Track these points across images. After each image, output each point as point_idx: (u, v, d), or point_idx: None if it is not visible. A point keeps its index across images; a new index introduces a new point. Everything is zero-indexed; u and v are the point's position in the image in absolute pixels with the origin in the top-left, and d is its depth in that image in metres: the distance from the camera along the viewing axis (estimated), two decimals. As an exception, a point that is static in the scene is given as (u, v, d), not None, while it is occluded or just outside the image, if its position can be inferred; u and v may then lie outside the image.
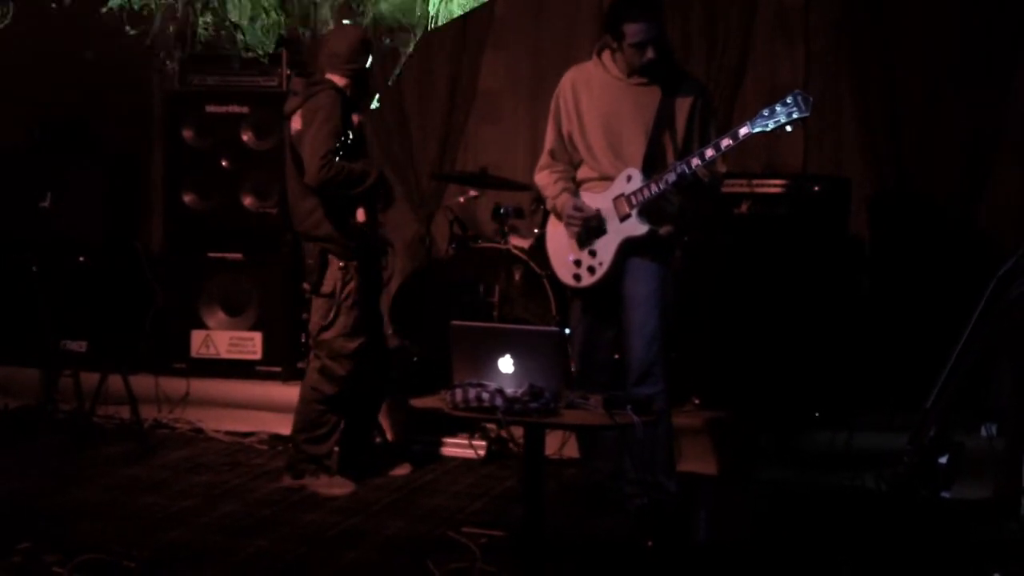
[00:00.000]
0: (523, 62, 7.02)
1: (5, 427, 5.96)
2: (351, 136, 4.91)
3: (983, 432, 4.86)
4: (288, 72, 6.25)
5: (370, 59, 4.99)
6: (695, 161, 4.37)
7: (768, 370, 5.59)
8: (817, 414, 5.51)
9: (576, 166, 4.69)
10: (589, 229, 4.55)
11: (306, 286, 4.98)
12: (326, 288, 4.89)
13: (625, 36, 4.44)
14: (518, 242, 5.99)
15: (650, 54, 4.45)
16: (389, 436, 5.66)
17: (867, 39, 6.34)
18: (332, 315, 4.89)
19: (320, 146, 4.73)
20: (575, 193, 4.62)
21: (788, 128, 4.36)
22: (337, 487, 4.95)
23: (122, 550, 4.05)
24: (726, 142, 4.35)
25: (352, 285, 4.90)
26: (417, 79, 7.07)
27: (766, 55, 6.59)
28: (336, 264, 4.88)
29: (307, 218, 4.92)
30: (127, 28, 6.43)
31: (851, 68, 6.41)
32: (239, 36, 5.50)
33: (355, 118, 4.96)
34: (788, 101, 4.31)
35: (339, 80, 4.89)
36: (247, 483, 5.12)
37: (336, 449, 5.10)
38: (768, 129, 4.34)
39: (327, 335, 4.92)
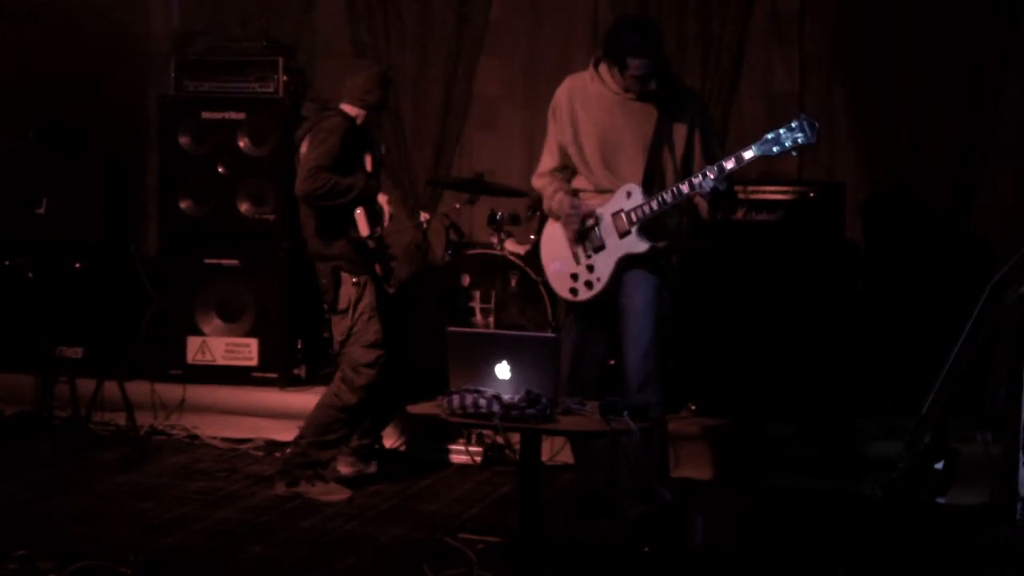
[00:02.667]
0: (518, 68, 7.03)
1: (1, 433, 5.94)
2: (364, 165, 5.02)
3: (978, 438, 4.87)
4: (284, 78, 6.27)
5: (385, 93, 5.11)
6: (697, 180, 4.36)
7: (764, 376, 5.59)
8: (814, 419, 5.51)
9: (572, 174, 4.69)
10: (586, 229, 4.55)
11: (325, 307, 5.05)
12: (342, 304, 4.97)
13: (628, 68, 4.44)
14: (514, 248, 5.99)
15: (652, 85, 4.48)
16: (386, 442, 5.66)
17: (861, 45, 6.35)
18: (350, 329, 4.96)
19: (310, 160, 4.84)
20: (571, 193, 4.62)
21: (794, 153, 4.35)
22: (333, 494, 4.96)
23: (118, 556, 4.05)
24: (730, 164, 4.33)
25: (367, 299, 4.97)
26: (412, 84, 7.07)
27: (761, 61, 6.60)
28: (349, 280, 4.96)
29: (315, 238, 5.01)
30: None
31: (845, 74, 6.43)
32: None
33: (368, 160, 5.05)
34: (793, 125, 4.29)
35: (351, 110, 5.00)
36: (243, 489, 5.12)
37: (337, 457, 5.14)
38: (773, 154, 4.33)
39: (348, 347, 4.99)
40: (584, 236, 4.57)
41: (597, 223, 4.55)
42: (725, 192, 4.38)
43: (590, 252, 4.58)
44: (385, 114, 6.98)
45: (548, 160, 4.72)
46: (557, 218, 4.66)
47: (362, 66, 5.26)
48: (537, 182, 4.75)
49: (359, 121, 5.01)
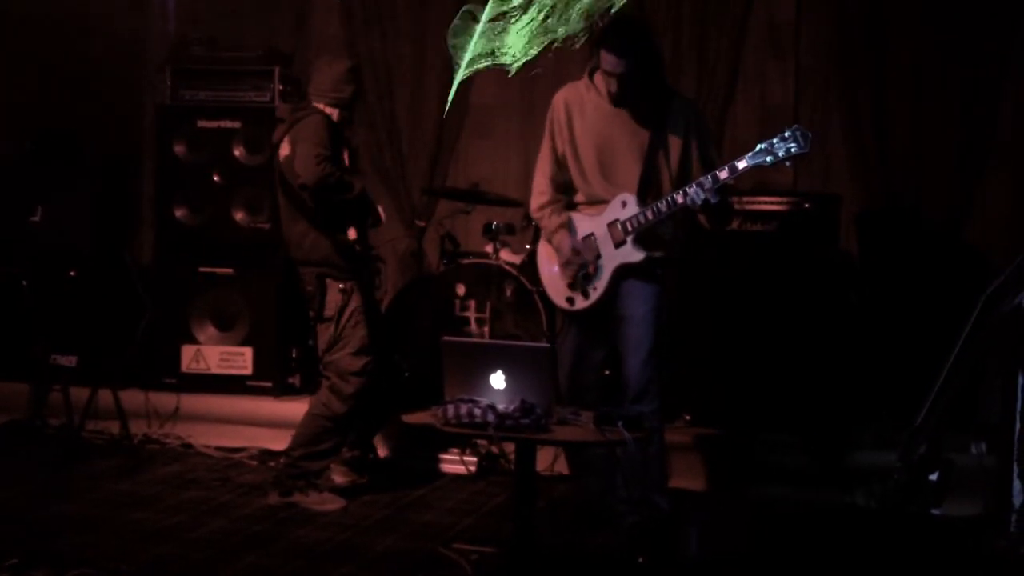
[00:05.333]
0: (514, 77, 6.99)
1: (-6, 441, 5.95)
2: (344, 163, 4.98)
3: (973, 450, 4.87)
4: (280, 87, 6.27)
5: (355, 90, 5.07)
6: (691, 190, 4.35)
7: (758, 386, 5.60)
8: (809, 431, 5.51)
9: (569, 187, 4.67)
10: (585, 273, 4.55)
11: (311, 314, 5.02)
12: (328, 312, 4.94)
13: (600, 60, 4.44)
14: (509, 258, 5.99)
15: (613, 87, 4.43)
16: (380, 452, 5.66)
17: (857, 57, 6.36)
18: (337, 336, 4.93)
19: (312, 148, 4.78)
20: (571, 226, 4.60)
21: (788, 164, 4.35)
22: (328, 503, 4.94)
23: (111, 565, 4.05)
24: (724, 174, 4.32)
25: (354, 305, 4.94)
26: (409, 93, 7.08)
27: (757, 73, 6.61)
28: (335, 287, 4.93)
29: (301, 243, 4.98)
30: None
31: (840, 85, 6.44)
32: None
33: (345, 154, 5.03)
34: (787, 135, 4.27)
35: (325, 108, 4.97)
36: (237, 499, 5.11)
37: (330, 467, 5.13)
38: (767, 164, 4.32)
39: (334, 356, 4.96)
40: (581, 277, 4.57)
41: (597, 268, 4.55)
42: (719, 204, 4.37)
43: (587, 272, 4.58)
44: (381, 120, 6.99)
45: (543, 180, 4.66)
46: (556, 252, 4.64)
47: (328, 62, 5.14)
48: (536, 212, 4.70)
49: (334, 118, 4.97)
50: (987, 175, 6.20)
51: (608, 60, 4.38)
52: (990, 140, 6.18)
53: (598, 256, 4.54)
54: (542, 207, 4.67)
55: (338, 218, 4.95)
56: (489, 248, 6.02)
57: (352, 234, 4.95)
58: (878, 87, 6.33)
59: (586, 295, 4.58)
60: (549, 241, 4.66)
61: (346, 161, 5.04)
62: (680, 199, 4.37)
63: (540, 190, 4.68)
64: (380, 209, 5.15)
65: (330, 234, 4.93)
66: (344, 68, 5.05)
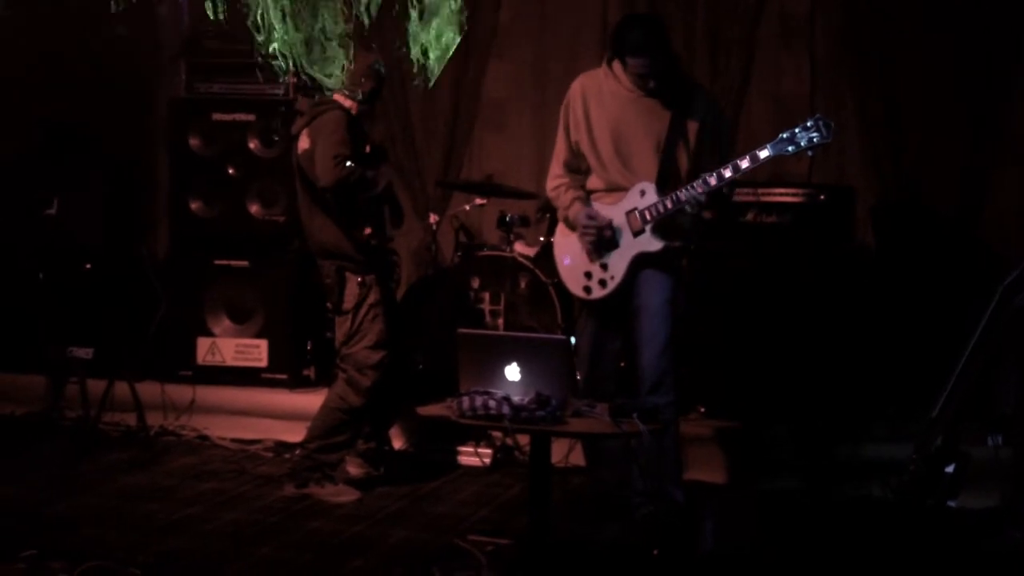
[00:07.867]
0: (527, 71, 7.02)
1: (11, 434, 5.96)
2: (367, 152, 4.97)
3: (989, 442, 4.85)
4: (294, 80, 6.26)
5: (377, 86, 5.03)
6: (712, 179, 4.35)
7: (774, 379, 5.58)
8: (823, 423, 5.50)
9: (585, 174, 4.68)
10: (603, 239, 4.55)
11: (328, 306, 5.02)
12: (347, 305, 4.95)
13: (628, 66, 4.46)
14: (524, 250, 5.99)
15: (651, 85, 4.47)
16: (395, 444, 5.66)
17: (870, 49, 6.34)
18: (355, 329, 4.93)
19: (330, 148, 4.78)
20: (587, 202, 4.61)
21: (809, 153, 4.35)
22: (343, 495, 4.96)
23: (127, 557, 4.06)
24: (745, 164, 4.32)
25: (372, 298, 4.95)
26: (422, 87, 7.06)
27: (770, 64, 6.59)
28: (354, 280, 4.94)
29: (318, 236, 4.98)
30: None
31: (854, 77, 6.41)
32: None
33: (367, 147, 5.01)
34: (809, 125, 4.28)
35: (344, 101, 4.96)
36: (252, 490, 5.12)
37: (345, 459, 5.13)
38: (788, 153, 4.32)
39: (352, 348, 4.96)
40: (600, 246, 4.56)
41: (615, 233, 4.54)
42: (726, 195, 4.40)
43: (605, 249, 4.57)
44: (394, 113, 6.98)
45: (558, 165, 4.70)
46: (573, 229, 4.64)
47: (353, 55, 5.01)
48: (551, 192, 4.73)
49: (353, 111, 4.96)
50: (1001, 167, 6.17)
51: (638, 63, 4.42)
52: (1004, 132, 6.15)
53: (616, 243, 4.53)
54: (557, 187, 4.69)
55: (358, 215, 4.94)
56: (503, 241, 6.01)
57: (368, 230, 4.94)
58: (891, 79, 6.30)
59: (602, 284, 4.57)
60: (565, 218, 4.66)
61: (366, 149, 5.01)
62: (700, 188, 4.37)
63: (556, 173, 4.72)
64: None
65: (347, 229, 4.93)
66: (367, 64, 4.99)
